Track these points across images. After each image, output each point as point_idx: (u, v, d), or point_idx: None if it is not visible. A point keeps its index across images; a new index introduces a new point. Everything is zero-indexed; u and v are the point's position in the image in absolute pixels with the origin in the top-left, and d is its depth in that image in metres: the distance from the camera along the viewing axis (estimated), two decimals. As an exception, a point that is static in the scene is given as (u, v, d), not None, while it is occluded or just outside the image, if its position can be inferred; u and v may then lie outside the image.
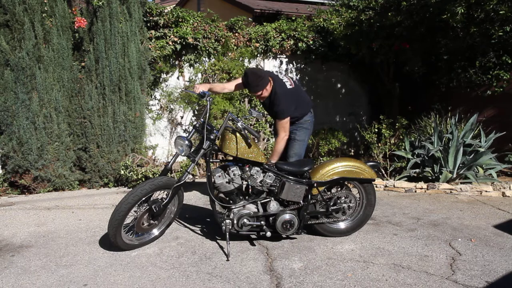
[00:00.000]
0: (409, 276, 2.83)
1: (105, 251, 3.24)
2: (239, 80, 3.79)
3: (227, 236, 3.17)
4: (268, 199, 3.31)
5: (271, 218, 3.29)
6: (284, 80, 3.71)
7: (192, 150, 3.25)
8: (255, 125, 6.47)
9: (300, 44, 7.03)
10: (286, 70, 7.31)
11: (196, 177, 5.79)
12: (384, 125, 5.94)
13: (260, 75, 3.51)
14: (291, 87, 3.70)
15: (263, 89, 3.52)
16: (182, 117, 6.37)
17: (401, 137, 6.02)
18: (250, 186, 3.28)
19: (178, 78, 6.28)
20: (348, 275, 2.84)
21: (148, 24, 5.71)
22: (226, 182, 3.19)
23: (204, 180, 4.93)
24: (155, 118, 6.12)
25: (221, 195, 3.30)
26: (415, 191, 5.11)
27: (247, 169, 3.22)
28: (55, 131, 4.92)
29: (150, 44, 5.65)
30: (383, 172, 5.60)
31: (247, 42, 6.70)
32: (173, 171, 5.43)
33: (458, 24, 4.76)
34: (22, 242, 3.43)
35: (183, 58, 6.20)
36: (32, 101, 4.76)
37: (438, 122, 5.62)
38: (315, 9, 7.48)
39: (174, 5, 8.56)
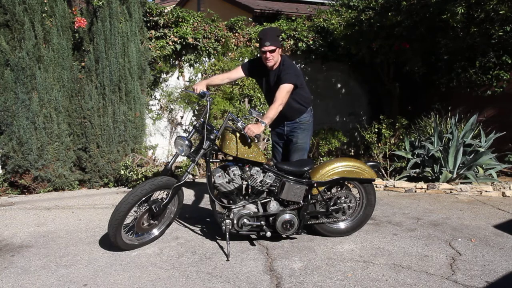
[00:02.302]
0: (409, 276, 2.83)
1: (105, 251, 3.24)
2: (236, 70, 3.75)
3: (227, 236, 3.17)
4: (268, 199, 3.31)
5: (271, 218, 3.29)
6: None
7: (192, 150, 3.25)
8: (255, 125, 6.45)
9: (300, 44, 7.03)
10: (286, 70, 7.31)
11: (196, 177, 5.79)
12: (384, 125, 5.94)
13: (278, 32, 3.51)
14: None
15: (277, 48, 3.41)
16: (182, 117, 6.38)
17: (401, 137, 6.02)
18: (250, 186, 3.28)
19: (178, 78, 6.28)
20: (348, 275, 2.84)
21: (148, 24, 5.71)
22: (226, 182, 3.19)
23: (204, 180, 4.93)
24: (155, 118, 6.13)
25: (221, 195, 3.30)
26: (415, 191, 5.11)
27: (247, 169, 3.22)
28: (55, 131, 4.92)
29: (150, 44, 5.65)
30: (383, 172, 5.60)
31: (247, 42, 6.70)
32: (173, 171, 5.43)
33: (458, 24, 4.76)
34: (22, 242, 3.43)
35: (183, 58, 6.20)
36: (32, 101, 4.75)
37: (438, 122, 5.62)
38: (315, 9, 7.49)
39: (174, 5, 8.57)
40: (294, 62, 7.19)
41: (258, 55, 3.77)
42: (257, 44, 6.72)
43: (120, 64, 5.09)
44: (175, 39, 5.85)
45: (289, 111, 3.60)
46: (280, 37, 3.49)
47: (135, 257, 3.12)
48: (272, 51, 3.39)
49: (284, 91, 3.34)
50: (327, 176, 3.36)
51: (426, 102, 7.00)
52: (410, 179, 5.38)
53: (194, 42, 6.03)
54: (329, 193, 3.56)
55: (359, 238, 3.52)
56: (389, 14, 5.38)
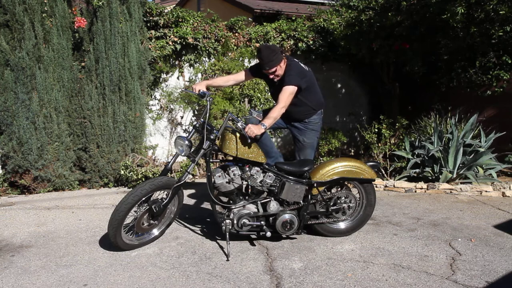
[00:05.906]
0: (409, 276, 2.83)
1: (105, 251, 3.24)
2: (243, 72, 3.76)
3: (227, 236, 3.17)
4: (268, 199, 3.31)
5: (271, 218, 3.29)
6: (300, 62, 3.60)
7: (192, 150, 3.25)
8: (255, 125, 6.45)
9: (300, 44, 7.03)
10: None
11: (196, 177, 5.79)
12: (384, 125, 5.94)
13: (274, 49, 3.38)
14: (307, 69, 3.61)
15: (277, 65, 3.38)
16: (182, 117, 6.38)
17: (401, 137, 6.01)
18: (250, 186, 3.28)
19: (178, 78, 6.28)
20: (348, 275, 2.84)
21: (148, 24, 5.71)
22: (226, 182, 3.19)
23: (204, 180, 4.93)
24: (155, 118, 6.12)
25: (221, 195, 3.30)
26: (415, 191, 5.11)
27: (247, 169, 3.22)
28: (55, 131, 4.92)
29: (150, 44, 5.65)
30: (383, 172, 5.60)
31: (247, 42, 6.70)
32: (173, 171, 5.43)
33: (458, 24, 4.75)
34: (22, 242, 3.43)
35: (183, 58, 6.20)
36: (32, 101, 4.75)
37: (438, 122, 5.62)
38: (315, 9, 7.49)
39: (174, 5, 8.57)
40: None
41: None
42: (257, 44, 6.73)
43: (120, 64, 5.09)
44: (175, 39, 5.85)
45: (298, 113, 3.64)
46: (277, 51, 3.41)
47: (135, 257, 3.12)
48: (273, 72, 3.42)
49: (287, 93, 3.34)
50: (327, 176, 3.36)
51: (426, 102, 6.99)
52: (410, 179, 5.38)
53: (194, 42, 6.03)
54: (329, 193, 3.56)
55: (359, 238, 3.52)
56: (389, 14, 5.38)
